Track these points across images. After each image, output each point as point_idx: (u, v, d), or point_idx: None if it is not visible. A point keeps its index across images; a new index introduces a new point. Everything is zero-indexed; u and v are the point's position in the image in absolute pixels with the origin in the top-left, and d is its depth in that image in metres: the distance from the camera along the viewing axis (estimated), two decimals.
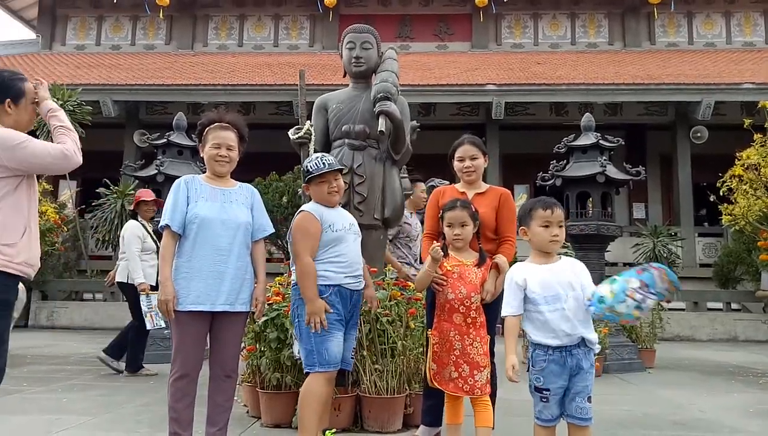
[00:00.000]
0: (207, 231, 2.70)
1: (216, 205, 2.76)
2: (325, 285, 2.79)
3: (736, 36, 15.97)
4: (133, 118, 13.73)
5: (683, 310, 10.55)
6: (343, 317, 2.83)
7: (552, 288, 2.46)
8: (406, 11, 16.53)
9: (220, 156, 2.82)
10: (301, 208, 2.91)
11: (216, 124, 2.87)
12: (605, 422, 3.76)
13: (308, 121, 3.96)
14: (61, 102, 9.48)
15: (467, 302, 2.86)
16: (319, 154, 3.02)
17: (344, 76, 4.29)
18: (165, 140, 7.06)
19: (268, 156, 9.92)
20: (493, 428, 2.83)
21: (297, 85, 4.10)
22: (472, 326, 2.86)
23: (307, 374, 2.79)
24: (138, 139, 13.01)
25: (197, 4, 16.64)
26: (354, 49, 4.08)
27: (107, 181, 10.85)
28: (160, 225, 2.78)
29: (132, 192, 9.92)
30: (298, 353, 2.98)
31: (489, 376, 2.86)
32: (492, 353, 2.94)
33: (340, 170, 2.98)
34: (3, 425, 3.47)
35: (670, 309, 9.09)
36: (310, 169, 2.90)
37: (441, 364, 2.89)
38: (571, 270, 2.52)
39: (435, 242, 3.12)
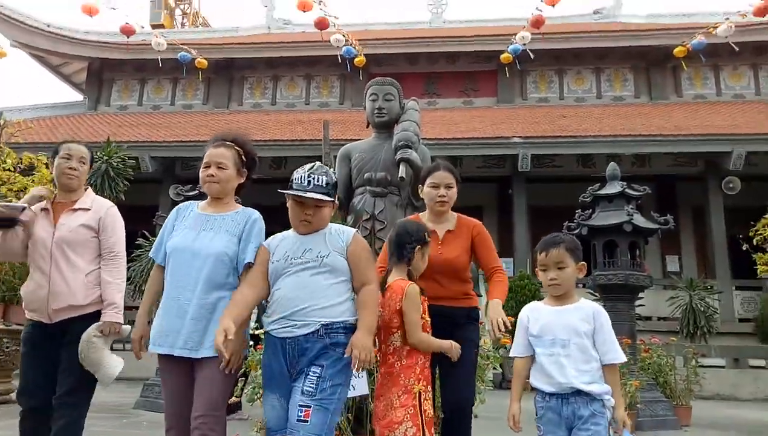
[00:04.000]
0: (176, 262, 2.37)
1: (192, 234, 2.41)
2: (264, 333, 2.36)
3: (766, 88, 15.90)
4: (169, 174, 14.26)
5: (723, 367, 10.08)
6: (278, 372, 2.24)
7: (551, 332, 2.34)
8: (432, 69, 17.03)
9: (208, 175, 2.46)
10: None
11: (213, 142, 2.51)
12: None
13: (330, 170, 4.09)
14: (106, 157, 9.97)
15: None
16: (311, 167, 2.39)
17: (367, 126, 4.45)
18: (197, 192, 7.32)
19: None
20: None
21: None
22: None
23: None
24: (173, 194, 13.43)
25: (234, 66, 17.48)
26: (377, 101, 4.26)
27: (145, 232, 11.18)
28: (148, 257, 2.70)
29: None
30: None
31: None
32: None
33: (333, 200, 2.40)
34: None
35: (707, 366, 8.73)
36: (293, 179, 2.35)
37: None
38: (582, 316, 2.33)
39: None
